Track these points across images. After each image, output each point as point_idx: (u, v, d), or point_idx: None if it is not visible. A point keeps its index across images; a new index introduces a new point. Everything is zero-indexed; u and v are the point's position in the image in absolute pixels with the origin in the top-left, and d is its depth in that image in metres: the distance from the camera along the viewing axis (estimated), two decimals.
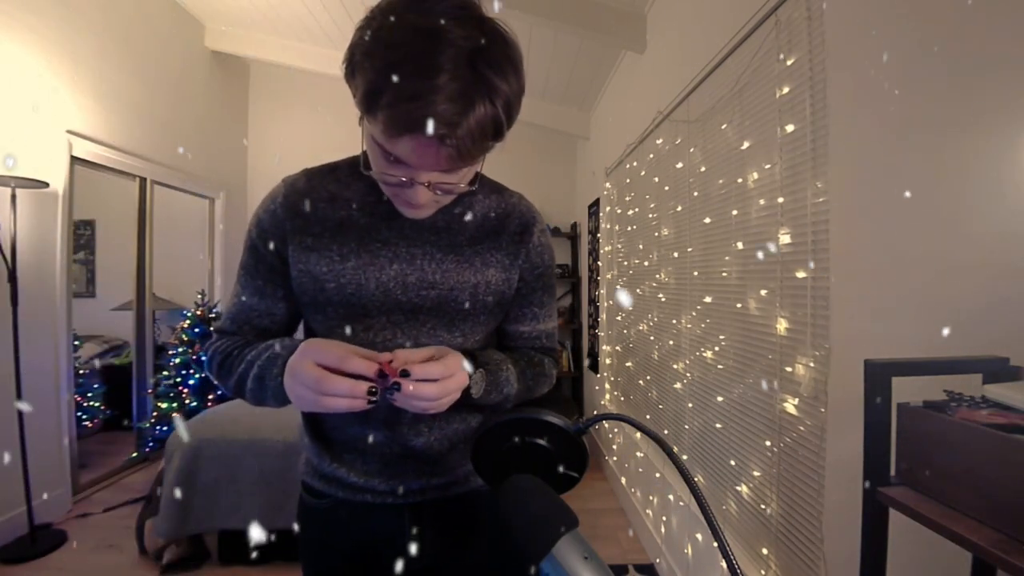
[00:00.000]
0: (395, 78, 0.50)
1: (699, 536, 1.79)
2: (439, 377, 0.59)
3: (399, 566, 0.77)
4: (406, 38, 0.51)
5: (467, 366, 0.65)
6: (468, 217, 0.75)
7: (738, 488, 1.54)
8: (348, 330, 0.71)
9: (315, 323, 0.74)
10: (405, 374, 0.57)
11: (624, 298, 3.03)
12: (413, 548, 0.78)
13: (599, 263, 3.69)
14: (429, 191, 0.60)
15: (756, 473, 1.43)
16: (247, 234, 0.75)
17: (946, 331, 0.79)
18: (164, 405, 3.25)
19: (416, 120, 0.51)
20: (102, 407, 3.58)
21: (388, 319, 0.71)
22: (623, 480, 2.90)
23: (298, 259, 0.71)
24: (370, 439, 0.75)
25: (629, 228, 2.86)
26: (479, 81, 0.52)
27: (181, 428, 2.35)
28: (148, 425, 3.30)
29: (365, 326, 0.71)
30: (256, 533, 2.09)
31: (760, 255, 1.39)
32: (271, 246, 0.71)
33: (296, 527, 0.83)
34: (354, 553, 0.78)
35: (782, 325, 1.30)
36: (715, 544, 0.84)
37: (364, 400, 0.56)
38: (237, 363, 0.71)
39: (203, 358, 0.74)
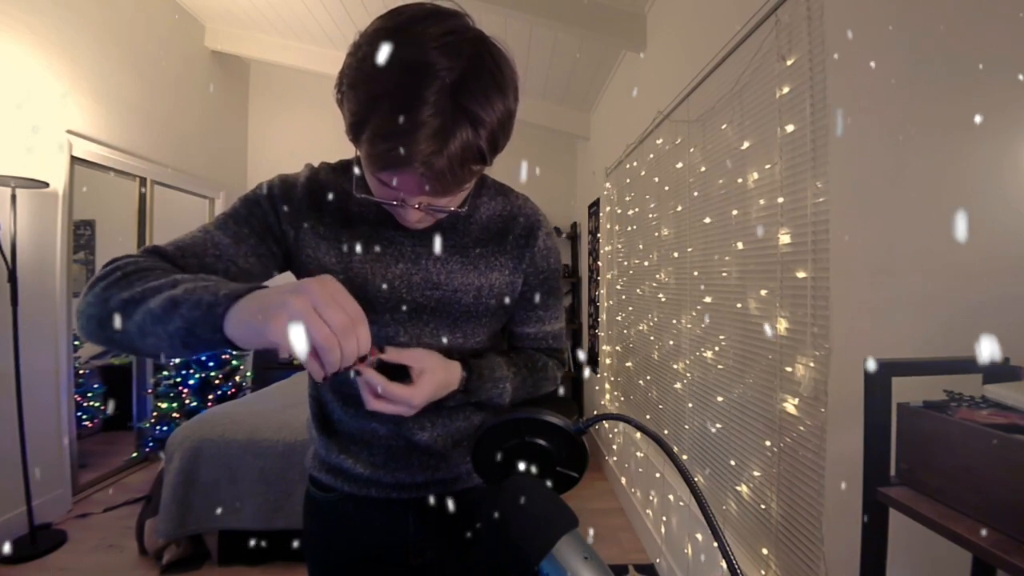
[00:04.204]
0: (375, 113, 0.51)
1: (699, 536, 1.79)
2: (389, 398, 0.61)
3: (402, 561, 0.78)
4: (389, 72, 0.50)
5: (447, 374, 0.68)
6: (474, 219, 0.75)
7: (738, 488, 1.54)
8: None
9: None
10: (357, 373, 0.59)
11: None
12: (416, 543, 0.79)
13: (599, 263, 3.68)
14: (420, 211, 0.61)
15: (756, 473, 1.43)
16: (248, 193, 0.71)
17: None
18: (164, 405, 3.25)
19: (394, 159, 0.52)
20: (102, 407, 3.58)
21: (392, 316, 0.72)
22: (623, 480, 2.89)
23: (307, 243, 0.71)
24: (376, 432, 0.76)
25: (629, 228, 2.85)
26: (461, 114, 0.51)
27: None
28: (148, 425, 3.30)
29: (369, 322, 0.72)
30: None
31: (760, 253, 1.39)
32: (277, 207, 0.70)
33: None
34: (358, 547, 0.79)
35: (782, 325, 1.30)
36: (715, 544, 0.84)
37: (329, 373, 0.49)
38: (153, 279, 0.54)
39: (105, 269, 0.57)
